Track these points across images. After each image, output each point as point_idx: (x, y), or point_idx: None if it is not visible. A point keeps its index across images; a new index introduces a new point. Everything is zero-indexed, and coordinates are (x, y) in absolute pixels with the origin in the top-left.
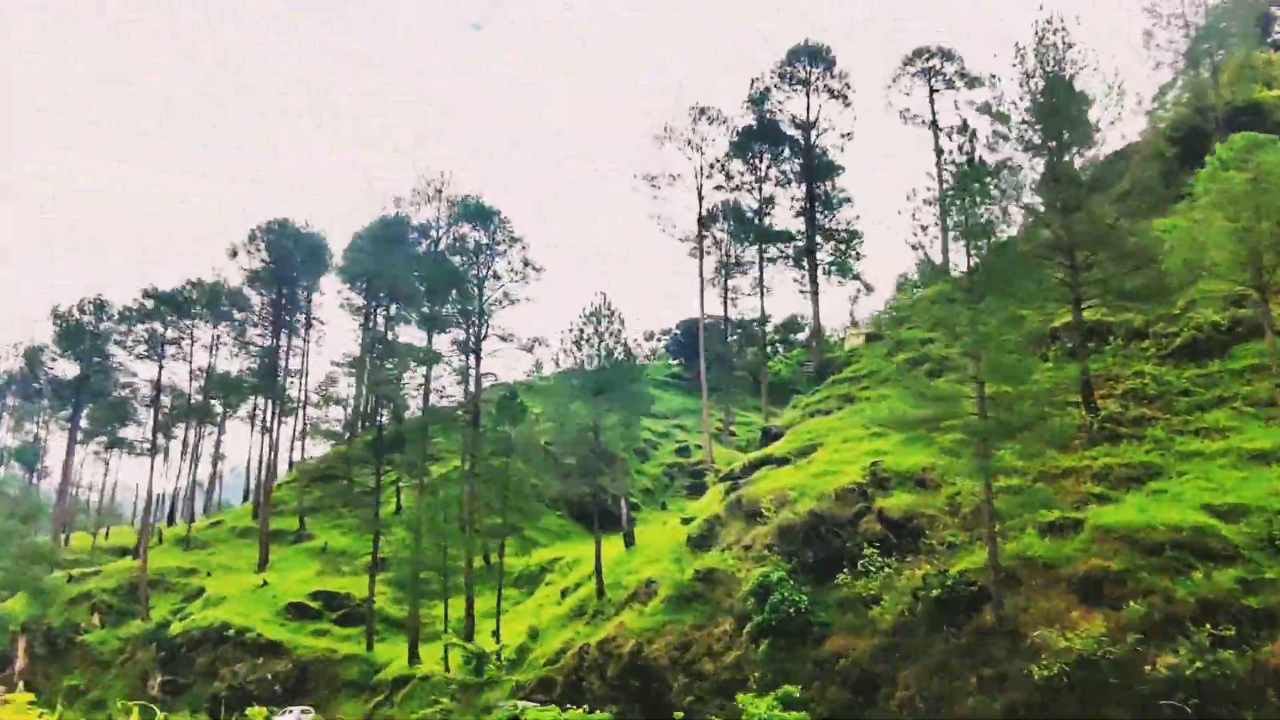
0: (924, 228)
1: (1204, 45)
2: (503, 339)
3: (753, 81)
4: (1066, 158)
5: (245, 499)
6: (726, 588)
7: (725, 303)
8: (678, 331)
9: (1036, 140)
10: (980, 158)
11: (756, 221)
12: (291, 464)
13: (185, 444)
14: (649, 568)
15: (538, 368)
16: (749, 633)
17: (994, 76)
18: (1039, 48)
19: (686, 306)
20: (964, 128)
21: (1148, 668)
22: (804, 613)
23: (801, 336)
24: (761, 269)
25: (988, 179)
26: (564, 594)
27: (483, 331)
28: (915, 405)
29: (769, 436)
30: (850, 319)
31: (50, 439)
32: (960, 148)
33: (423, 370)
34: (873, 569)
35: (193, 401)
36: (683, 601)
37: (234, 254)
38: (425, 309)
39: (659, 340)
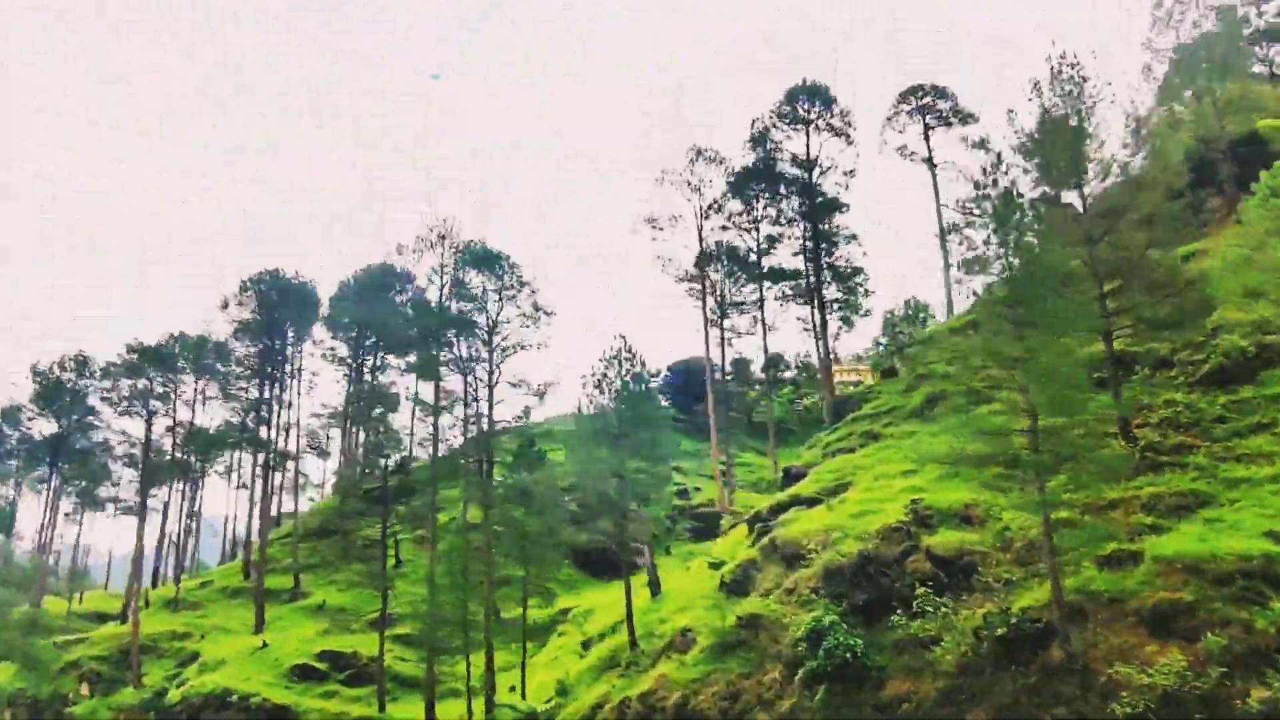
0: (949, 264)
1: (1177, 79)
2: (514, 385)
3: (753, 122)
4: (1088, 189)
5: (223, 557)
6: (772, 634)
7: (722, 343)
8: (669, 373)
9: (1056, 173)
10: (1018, 190)
11: (756, 261)
12: (279, 519)
13: (163, 502)
14: (682, 616)
15: (539, 400)
16: (802, 680)
17: (1011, 111)
18: (1055, 82)
19: (677, 347)
20: (998, 162)
21: (1238, 702)
22: (860, 657)
23: (788, 374)
24: (762, 308)
25: (1028, 211)
26: (586, 645)
27: (494, 378)
28: (969, 440)
29: (791, 477)
30: (834, 355)
31: (22, 500)
32: (995, 181)
33: (430, 419)
34: (929, 609)
35: (175, 457)
36: (726, 650)
37: (224, 306)
38: (413, 358)
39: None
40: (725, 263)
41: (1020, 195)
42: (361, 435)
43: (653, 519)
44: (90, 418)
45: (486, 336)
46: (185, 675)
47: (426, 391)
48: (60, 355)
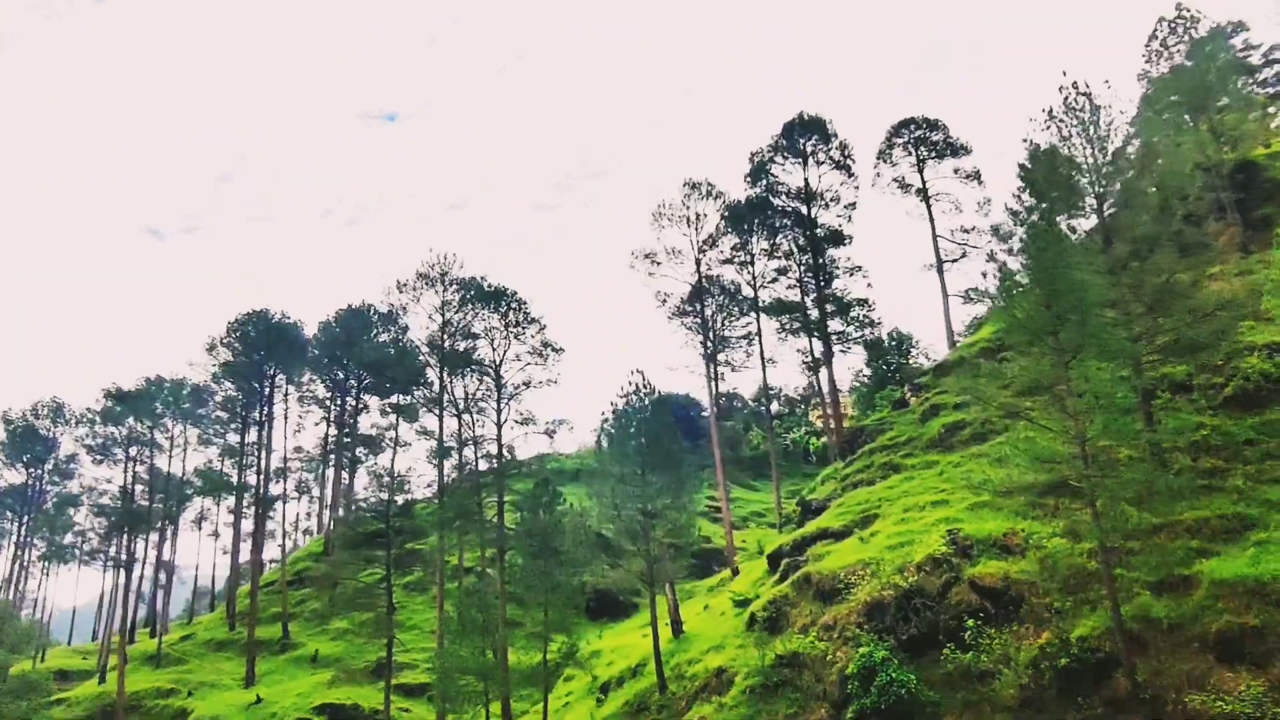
0: (948, 294)
1: (1166, 114)
2: (521, 422)
3: (751, 155)
4: (1106, 216)
5: (191, 608)
6: (815, 672)
7: (714, 378)
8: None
9: (1085, 203)
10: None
11: (753, 295)
12: (262, 566)
13: (134, 551)
14: (715, 656)
15: (550, 438)
16: (853, 718)
17: (1030, 143)
18: (1068, 111)
19: (660, 382)
20: (1031, 186)
21: None
22: (914, 693)
23: (774, 407)
24: (761, 344)
25: (1062, 239)
26: (604, 689)
27: (502, 417)
28: (1028, 469)
29: (809, 510)
30: (813, 387)
31: None
32: (1029, 209)
33: (433, 461)
34: (982, 641)
35: (154, 505)
36: (768, 690)
37: (211, 348)
38: (400, 399)
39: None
40: (721, 296)
41: (1047, 223)
42: (346, 478)
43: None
44: (68, 465)
45: (494, 374)
46: None
47: (408, 432)
48: (33, 402)
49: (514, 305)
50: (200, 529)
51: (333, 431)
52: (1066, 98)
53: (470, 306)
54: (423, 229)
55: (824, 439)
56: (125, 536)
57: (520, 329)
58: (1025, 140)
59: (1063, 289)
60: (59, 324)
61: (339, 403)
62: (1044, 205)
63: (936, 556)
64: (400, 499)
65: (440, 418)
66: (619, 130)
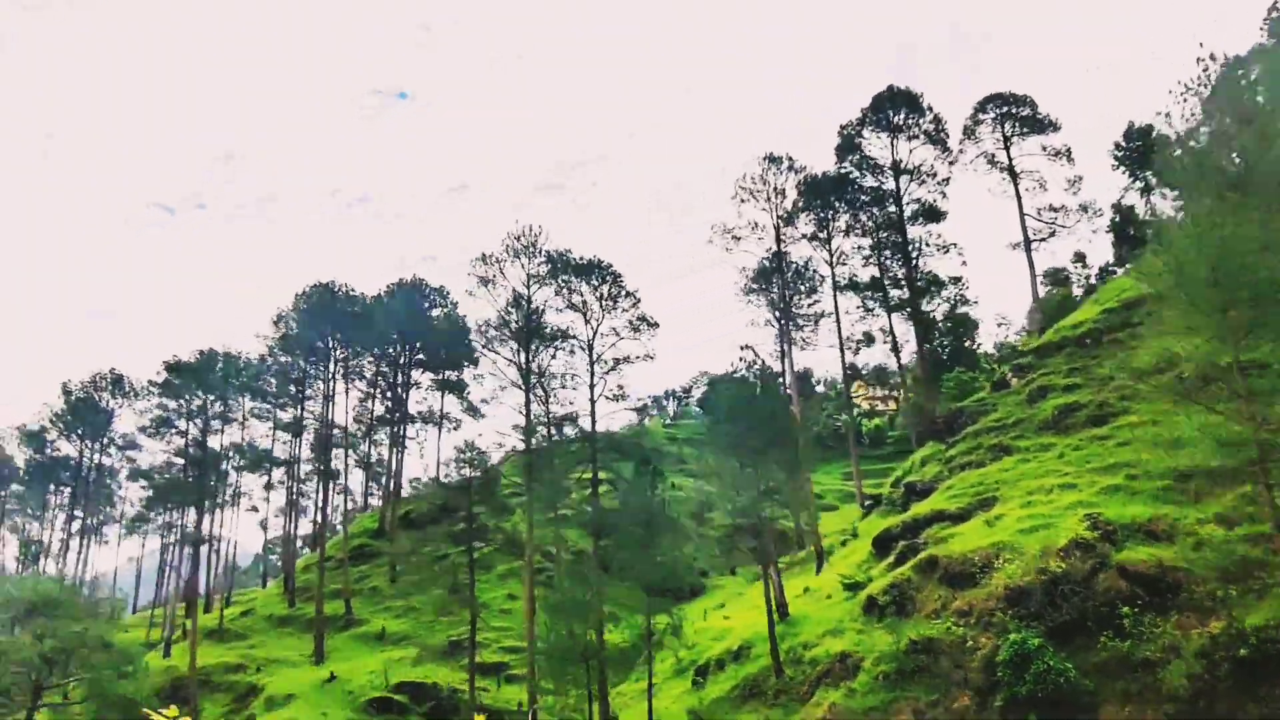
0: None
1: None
2: (613, 399)
3: (840, 128)
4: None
5: (231, 583)
6: (953, 658)
7: (784, 358)
8: (708, 388)
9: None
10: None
11: (830, 272)
12: (319, 541)
13: (199, 526)
14: (834, 640)
15: (639, 414)
16: (1002, 707)
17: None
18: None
19: (714, 361)
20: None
21: None
22: (1072, 682)
23: (819, 389)
24: (839, 322)
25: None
26: (700, 672)
27: (595, 392)
28: (1213, 453)
29: (913, 492)
30: (853, 370)
31: (33, 525)
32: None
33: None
34: (1142, 629)
35: (210, 479)
36: (903, 676)
37: (277, 321)
38: (448, 375)
39: (681, 399)
40: (795, 273)
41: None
42: (398, 455)
43: (712, 539)
44: (125, 437)
45: (587, 348)
46: (253, 711)
47: (455, 408)
48: (92, 373)
49: (608, 278)
50: (239, 504)
51: (377, 407)
52: (1205, 69)
53: (561, 279)
54: (431, 209)
55: (875, 420)
56: (185, 510)
57: (613, 302)
58: (1161, 114)
59: (1233, 268)
60: (90, 302)
61: (396, 377)
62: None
63: (1080, 541)
64: (475, 476)
65: (529, 393)
66: (617, 130)
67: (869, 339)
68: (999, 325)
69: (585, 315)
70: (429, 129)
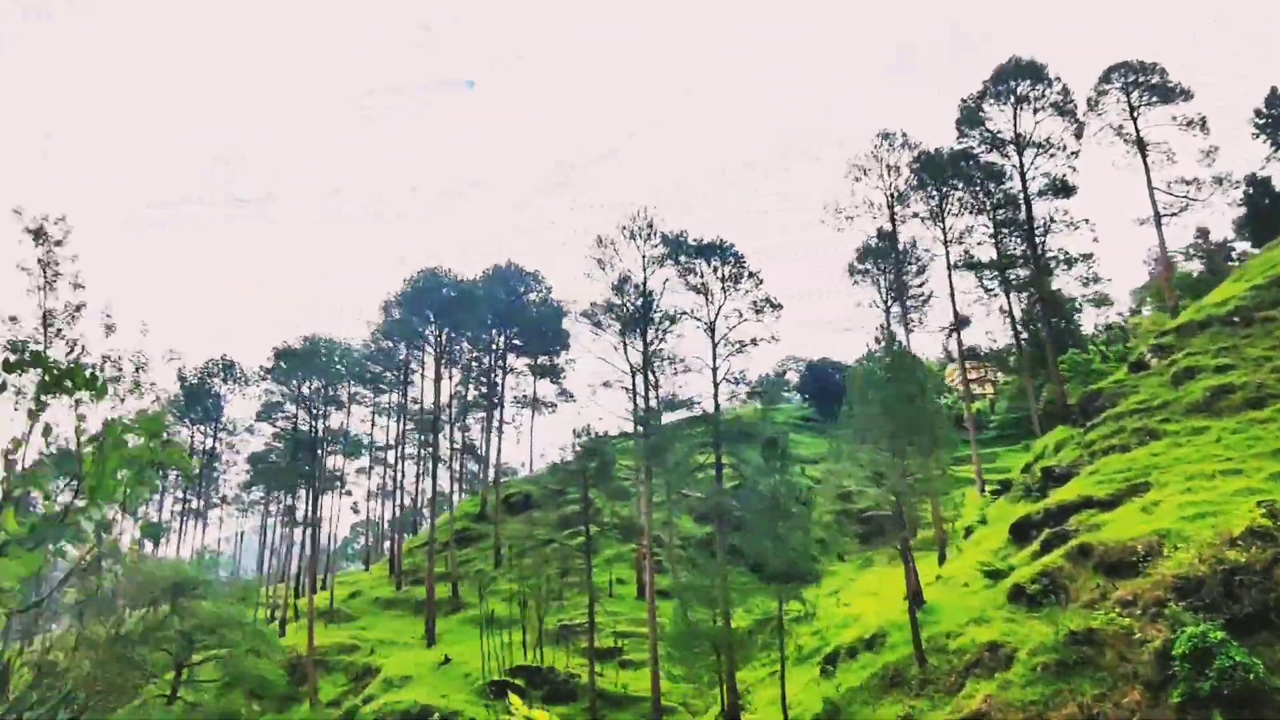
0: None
1: None
2: (733, 382)
3: (961, 101)
4: None
5: (329, 564)
6: (1119, 650)
7: (906, 337)
8: (805, 372)
9: None
10: None
11: (944, 251)
12: (417, 525)
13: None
14: (980, 630)
15: (758, 398)
16: (1180, 704)
17: None
18: None
19: (804, 344)
20: None
21: None
22: (1261, 679)
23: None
24: (954, 300)
25: None
26: (829, 660)
27: (718, 375)
28: None
29: (1051, 477)
30: (946, 354)
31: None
32: None
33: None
34: None
35: (320, 463)
36: (1065, 668)
37: (385, 308)
38: (542, 360)
39: (771, 384)
40: (909, 252)
41: None
42: (497, 441)
43: (818, 525)
44: (235, 422)
45: (709, 330)
46: (371, 691)
47: (549, 391)
48: (205, 360)
49: (729, 258)
50: (340, 488)
51: (472, 392)
52: None
53: (681, 261)
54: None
55: (976, 404)
56: (287, 493)
57: (734, 283)
58: None
59: None
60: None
61: (492, 361)
62: None
63: (1256, 529)
64: (594, 461)
65: (646, 376)
66: (617, 130)
67: (965, 321)
68: (1097, 306)
69: (707, 296)
70: (429, 129)
